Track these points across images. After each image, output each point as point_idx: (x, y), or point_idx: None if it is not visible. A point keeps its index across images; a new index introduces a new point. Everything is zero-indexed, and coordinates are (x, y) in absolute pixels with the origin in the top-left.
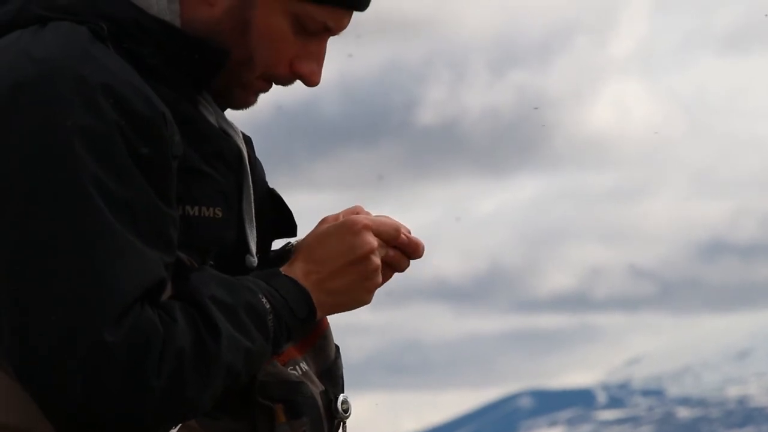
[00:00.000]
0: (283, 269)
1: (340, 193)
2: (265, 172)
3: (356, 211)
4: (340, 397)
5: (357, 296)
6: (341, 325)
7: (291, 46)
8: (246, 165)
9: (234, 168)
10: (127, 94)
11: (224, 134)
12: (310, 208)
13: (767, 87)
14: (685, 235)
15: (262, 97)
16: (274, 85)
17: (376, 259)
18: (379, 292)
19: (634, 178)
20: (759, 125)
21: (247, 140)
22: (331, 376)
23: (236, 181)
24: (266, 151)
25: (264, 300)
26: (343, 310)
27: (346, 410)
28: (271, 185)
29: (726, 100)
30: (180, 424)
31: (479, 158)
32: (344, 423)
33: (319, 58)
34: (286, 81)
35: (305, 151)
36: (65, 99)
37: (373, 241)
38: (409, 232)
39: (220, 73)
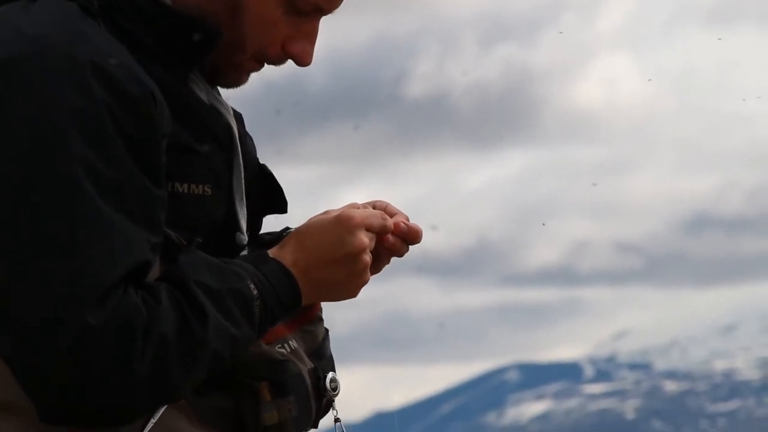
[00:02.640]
0: (272, 252)
1: (328, 168)
2: (257, 145)
3: (355, 206)
4: (329, 375)
5: (341, 290)
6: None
7: (283, 27)
8: (236, 142)
9: (224, 145)
10: (117, 73)
11: (215, 111)
12: (296, 181)
13: (755, 62)
14: (671, 209)
15: (253, 75)
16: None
17: (366, 258)
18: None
19: (621, 153)
20: (746, 100)
21: (238, 117)
22: (320, 355)
23: (226, 158)
24: (251, 125)
25: (252, 286)
26: (326, 300)
27: (335, 388)
28: (262, 161)
29: (714, 75)
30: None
31: (467, 132)
32: (332, 401)
33: (311, 37)
34: (277, 61)
35: (292, 126)
36: (55, 78)
37: (365, 239)
38: (408, 219)
39: (211, 52)
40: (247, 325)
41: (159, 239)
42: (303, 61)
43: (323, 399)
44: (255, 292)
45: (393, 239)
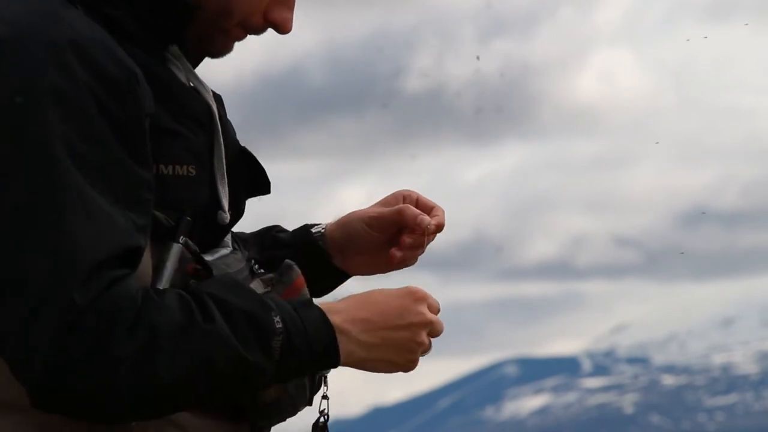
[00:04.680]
0: (324, 303)
1: (327, 162)
2: (253, 143)
3: (405, 194)
4: None
5: (390, 359)
6: (328, 297)
7: None
8: (217, 122)
9: (205, 125)
10: (99, 55)
11: (195, 92)
12: (295, 175)
13: (752, 56)
14: (669, 203)
15: (249, 67)
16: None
17: (424, 336)
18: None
19: (619, 148)
20: (743, 94)
21: (217, 98)
22: None
23: (207, 139)
24: (250, 120)
25: (277, 319)
26: (371, 368)
27: None
28: (258, 156)
29: (711, 69)
30: (151, 413)
31: (465, 127)
32: (325, 377)
33: (290, 5)
34: (260, 30)
35: (290, 119)
36: (36, 61)
37: (428, 315)
38: (443, 213)
39: (188, 23)
40: (260, 353)
41: (146, 221)
42: (285, 28)
43: (316, 376)
44: (279, 326)
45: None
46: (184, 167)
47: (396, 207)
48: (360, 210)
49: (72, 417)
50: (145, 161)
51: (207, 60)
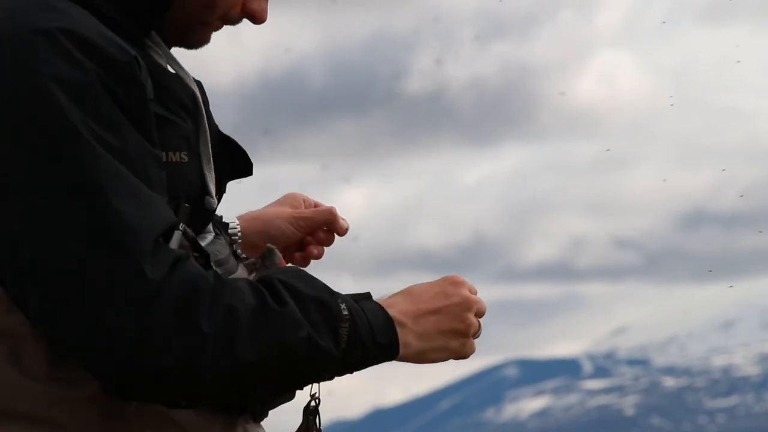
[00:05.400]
0: (377, 299)
1: (327, 163)
2: (251, 143)
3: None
4: None
5: (445, 345)
6: None
7: None
8: (201, 108)
9: (191, 111)
10: (100, 43)
11: (179, 78)
12: (294, 177)
13: (751, 57)
14: (669, 205)
15: (249, 69)
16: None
17: (471, 316)
18: (368, 263)
19: (618, 149)
20: (742, 96)
21: (198, 84)
22: None
23: (194, 125)
24: (250, 122)
25: (343, 306)
26: (427, 359)
27: None
28: (258, 158)
29: (711, 70)
30: (232, 397)
31: (465, 128)
32: None
33: None
34: (236, 20)
35: (290, 122)
36: (40, 53)
37: (470, 295)
38: (335, 211)
39: (167, 10)
40: (329, 339)
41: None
42: (261, 18)
43: None
44: (346, 313)
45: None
46: (177, 154)
47: (326, 208)
48: (273, 210)
49: (147, 400)
50: (155, 144)
51: (206, 61)
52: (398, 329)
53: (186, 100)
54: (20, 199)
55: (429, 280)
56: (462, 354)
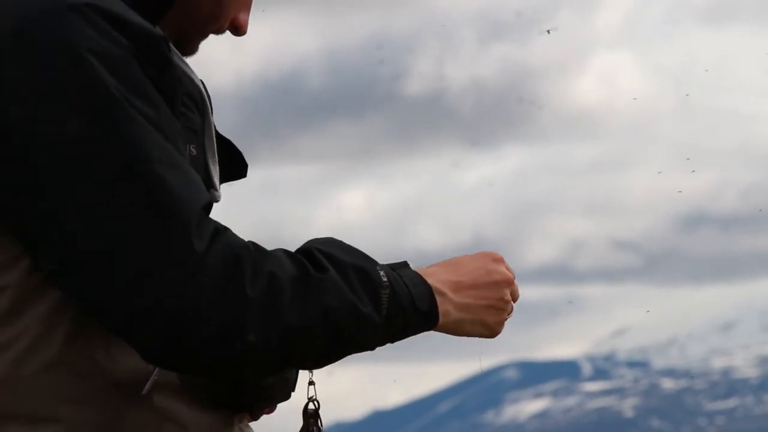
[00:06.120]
0: (415, 268)
1: (326, 166)
2: (251, 144)
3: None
4: None
5: (482, 318)
6: None
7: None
8: (207, 102)
9: (198, 105)
10: (132, 20)
11: (185, 73)
12: (295, 179)
13: (752, 58)
14: (668, 207)
15: (248, 70)
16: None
17: (508, 293)
18: None
19: (618, 151)
20: (742, 98)
21: (202, 83)
22: None
23: (200, 118)
24: (250, 123)
25: (382, 273)
26: (463, 331)
27: None
28: (258, 159)
29: (711, 72)
30: (281, 369)
31: (464, 130)
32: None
33: (249, 8)
34: (223, 32)
35: (290, 124)
36: (76, 27)
37: (510, 274)
38: None
39: (171, 6)
40: (371, 305)
41: None
42: (244, 30)
43: None
44: (385, 279)
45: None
46: (188, 146)
47: None
48: None
49: (195, 370)
50: (177, 120)
51: (205, 62)
52: (437, 298)
53: (195, 95)
54: (64, 170)
55: (468, 255)
56: (495, 331)
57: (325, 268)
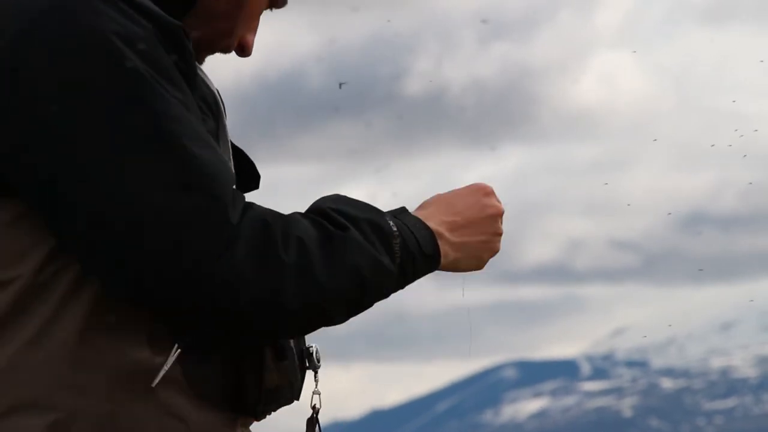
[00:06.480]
0: (411, 211)
1: (325, 165)
2: (250, 144)
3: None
4: (314, 347)
5: (477, 255)
6: None
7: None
8: (222, 107)
9: (213, 111)
10: (153, 7)
11: (203, 79)
12: (295, 178)
13: (751, 59)
14: (667, 207)
15: (247, 70)
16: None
17: (500, 225)
18: None
19: (617, 151)
20: (742, 97)
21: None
22: None
23: (214, 122)
24: (249, 123)
25: (391, 223)
26: (460, 267)
27: (319, 360)
28: (257, 159)
29: (711, 72)
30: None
31: (464, 130)
32: (316, 372)
33: (256, 30)
34: (229, 50)
35: (289, 124)
36: (101, 11)
37: (501, 206)
38: None
39: (184, 17)
40: (387, 256)
41: None
42: (249, 51)
43: (305, 370)
44: (395, 229)
45: None
46: None
47: None
48: None
49: (235, 335)
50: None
51: (205, 62)
52: (438, 240)
53: (210, 100)
54: (101, 150)
55: (454, 190)
56: (484, 264)
57: (344, 226)
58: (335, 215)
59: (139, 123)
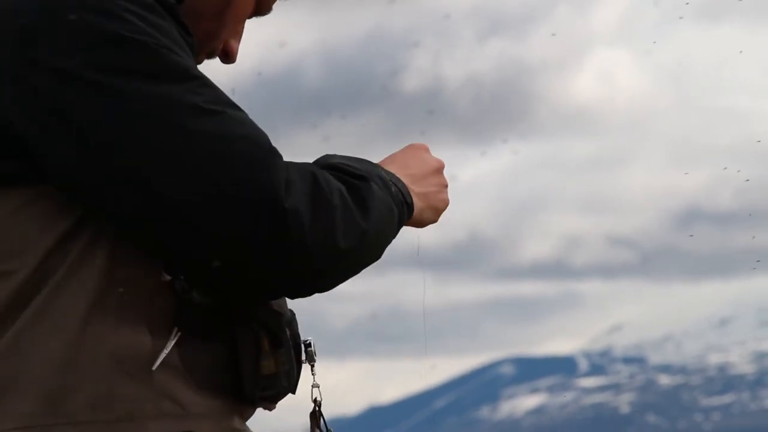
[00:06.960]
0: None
1: None
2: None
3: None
4: (310, 340)
5: (435, 205)
6: (323, 294)
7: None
8: None
9: None
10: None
11: None
12: None
13: (748, 56)
14: (664, 203)
15: (244, 66)
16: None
17: (445, 177)
18: None
19: (614, 148)
20: (740, 95)
21: None
22: (291, 325)
23: None
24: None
25: (384, 173)
26: (422, 220)
27: (315, 353)
28: None
29: (708, 69)
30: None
31: (461, 126)
32: (312, 366)
33: (240, 37)
34: (215, 55)
35: (286, 121)
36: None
37: (441, 160)
38: None
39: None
40: (392, 201)
41: None
42: (234, 58)
43: (301, 362)
44: (388, 177)
45: None
46: None
47: None
48: None
49: (281, 275)
50: None
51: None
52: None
53: None
54: (138, 122)
55: (399, 150)
56: (440, 215)
57: (363, 177)
58: (351, 169)
59: (172, 91)
